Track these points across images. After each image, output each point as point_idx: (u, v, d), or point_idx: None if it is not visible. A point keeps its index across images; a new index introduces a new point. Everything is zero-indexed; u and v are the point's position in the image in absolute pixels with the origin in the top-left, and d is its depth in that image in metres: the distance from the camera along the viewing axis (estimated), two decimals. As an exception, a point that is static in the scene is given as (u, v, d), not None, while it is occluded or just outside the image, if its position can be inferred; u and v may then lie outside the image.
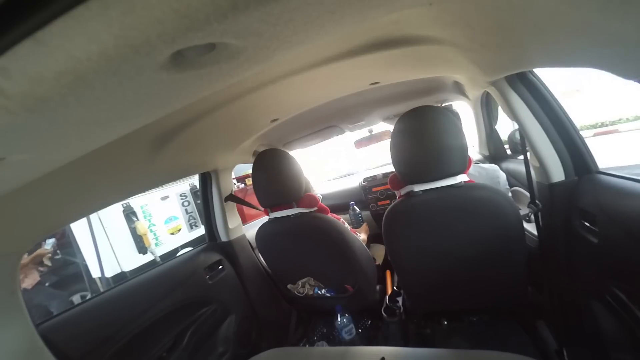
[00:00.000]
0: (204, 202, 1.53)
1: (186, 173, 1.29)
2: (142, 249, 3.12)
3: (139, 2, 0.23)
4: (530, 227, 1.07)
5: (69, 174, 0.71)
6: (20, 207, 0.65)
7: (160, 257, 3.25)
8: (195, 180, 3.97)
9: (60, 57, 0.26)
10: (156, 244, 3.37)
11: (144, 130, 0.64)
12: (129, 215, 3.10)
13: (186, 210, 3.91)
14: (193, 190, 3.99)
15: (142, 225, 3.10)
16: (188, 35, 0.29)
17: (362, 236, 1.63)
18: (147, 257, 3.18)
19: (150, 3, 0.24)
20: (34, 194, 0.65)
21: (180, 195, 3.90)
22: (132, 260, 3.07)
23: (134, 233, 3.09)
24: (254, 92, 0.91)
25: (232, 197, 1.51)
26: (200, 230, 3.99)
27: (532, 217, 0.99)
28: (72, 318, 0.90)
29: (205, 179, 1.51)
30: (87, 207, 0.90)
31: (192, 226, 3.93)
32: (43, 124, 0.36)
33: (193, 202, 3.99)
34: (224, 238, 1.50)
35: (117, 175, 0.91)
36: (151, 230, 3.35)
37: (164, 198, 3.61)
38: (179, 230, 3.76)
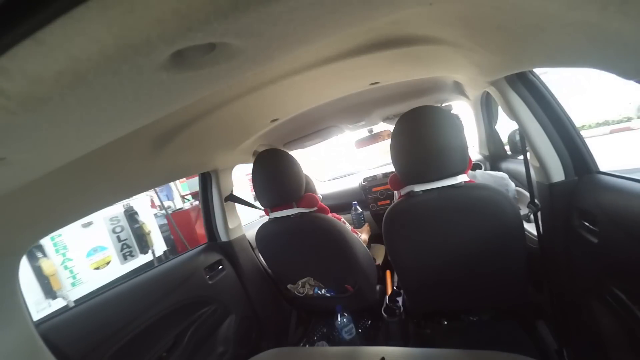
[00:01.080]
0: (203, 202, 1.53)
1: (186, 173, 1.29)
2: (50, 292, 2.42)
3: (139, 2, 0.23)
4: (530, 227, 1.07)
5: (69, 174, 0.71)
6: (20, 207, 0.65)
7: (76, 301, 2.56)
8: (131, 200, 3.50)
9: (60, 57, 0.26)
10: (73, 284, 2.71)
11: (144, 130, 0.64)
12: (32, 250, 2.38)
13: (118, 237, 3.24)
14: (128, 212, 3.35)
15: (48, 264, 2.41)
16: (188, 35, 0.29)
17: (363, 236, 1.63)
18: (60, 303, 2.51)
19: (150, 3, 0.24)
20: (34, 194, 0.65)
21: (111, 220, 3.23)
22: (36, 308, 2.41)
23: (39, 273, 2.39)
24: (254, 92, 0.91)
25: (232, 197, 1.52)
26: (139, 261, 3.37)
27: (532, 217, 0.99)
28: (72, 318, 0.90)
29: (205, 179, 1.51)
30: (87, 207, 0.90)
31: (126, 256, 3.27)
32: (43, 124, 0.36)
33: (128, 227, 3.33)
34: (224, 238, 1.50)
35: (117, 175, 0.91)
36: (66, 267, 2.64)
37: (87, 225, 2.97)
38: (108, 262, 3.09)
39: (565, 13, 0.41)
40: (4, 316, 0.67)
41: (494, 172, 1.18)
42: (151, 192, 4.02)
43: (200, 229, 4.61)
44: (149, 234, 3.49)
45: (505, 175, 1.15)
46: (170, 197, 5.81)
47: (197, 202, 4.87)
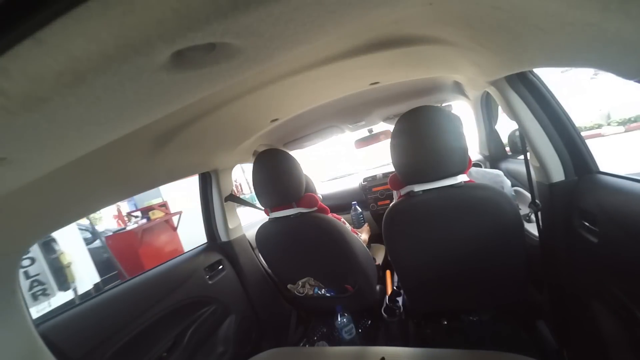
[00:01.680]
0: (203, 202, 1.53)
1: (186, 173, 1.29)
2: None
3: (139, 2, 0.23)
4: (531, 227, 1.07)
5: (69, 174, 0.71)
6: (20, 207, 0.65)
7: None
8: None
9: (61, 57, 0.26)
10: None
11: (144, 130, 0.64)
12: None
13: (26, 273, 2.57)
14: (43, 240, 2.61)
15: None
16: (188, 35, 0.29)
17: (363, 236, 1.63)
18: None
19: (150, 3, 0.24)
20: (34, 194, 0.65)
21: (17, 253, 2.54)
22: None
23: None
24: (254, 92, 0.91)
25: (232, 197, 1.52)
26: (56, 300, 2.66)
27: (532, 217, 0.99)
28: (72, 318, 0.90)
29: (205, 179, 1.51)
30: (87, 207, 0.90)
31: (37, 296, 2.58)
32: (43, 124, 0.36)
33: (43, 259, 2.64)
34: (224, 238, 1.50)
35: (118, 175, 0.91)
36: None
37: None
38: (9, 306, 2.35)
39: (566, 13, 0.41)
40: (4, 316, 0.67)
41: (489, 170, 1.18)
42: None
43: (148, 253, 3.97)
44: (69, 266, 2.76)
45: (501, 173, 1.14)
46: (137, 206, 5.23)
47: (144, 221, 4.29)
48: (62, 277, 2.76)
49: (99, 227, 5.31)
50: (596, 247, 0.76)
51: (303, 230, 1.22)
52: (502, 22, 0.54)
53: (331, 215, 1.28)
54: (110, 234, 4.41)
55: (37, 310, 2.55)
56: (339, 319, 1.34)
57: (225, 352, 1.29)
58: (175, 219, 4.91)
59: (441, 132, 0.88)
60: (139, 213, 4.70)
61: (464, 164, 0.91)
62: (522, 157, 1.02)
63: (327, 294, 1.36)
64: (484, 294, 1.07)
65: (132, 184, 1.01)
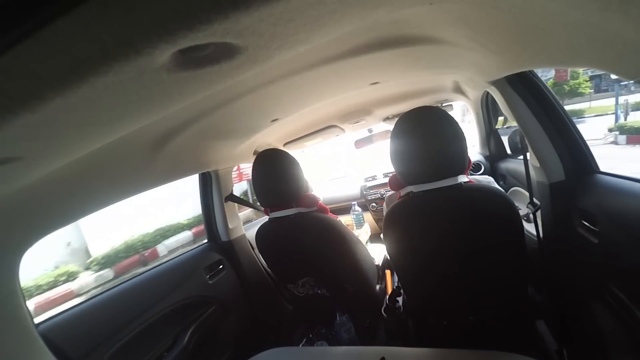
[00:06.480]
0: (203, 202, 1.53)
1: (186, 173, 1.29)
2: None
3: (139, 2, 0.23)
4: (530, 227, 1.07)
5: (69, 174, 0.71)
6: (21, 207, 0.65)
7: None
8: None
9: (61, 57, 0.26)
10: None
11: (144, 130, 0.64)
12: None
13: None
14: None
15: None
16: (189, 35, 0.29)
17: (363, 236, 1.63)
18: None
19: (151, 3, 0.24)
20: (34, 194, 0.65)
21: None
22: None
23: None
24: (254, 92, 0.91)
25: (232, 197, 1.52)
26: None
27: (532, 216, 0.99)
28: (72, 318, 0.90)
29: (205, 179, 1.51)
30: (87, 207, 0.90)
31: None
32: (44, 124, 0.36)
33: None
34: (224, 238, 1.50)
35: (117, 175, 0.91)
36: None
37: None
38: None
39: (566, 13, 0.41)
40: (4, 316, 0.67)
41: (479, 177, 1.12)
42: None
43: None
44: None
45: (491, 179, 1.10)
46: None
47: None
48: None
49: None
50: (596, 248, 0.76)
51: (303, 230, 1.22)
52: (502, 22, 0.55)
53: (330, 216, 1.28)
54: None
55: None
56: (339, 319, 1.34)
57: (225, 352, 1.29)
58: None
59: (441, 132, 0.88)
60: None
61: (464, 164, 0.91)
62: (522, 157, 1.02)
63: (327, 294, 1.36)
64: (483, 293, 1.07)
65: (132, 184, 1.01)
